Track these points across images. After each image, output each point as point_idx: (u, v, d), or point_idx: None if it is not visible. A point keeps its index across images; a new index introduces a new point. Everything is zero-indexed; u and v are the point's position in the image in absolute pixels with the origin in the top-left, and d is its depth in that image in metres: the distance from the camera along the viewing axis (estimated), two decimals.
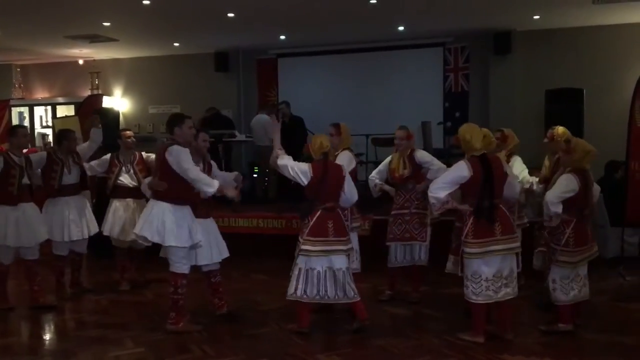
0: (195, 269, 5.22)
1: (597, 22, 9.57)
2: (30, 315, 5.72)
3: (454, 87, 10.70)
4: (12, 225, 5.55)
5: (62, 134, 6.20)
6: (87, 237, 6.24)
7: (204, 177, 4.84)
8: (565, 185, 4.66)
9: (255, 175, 10.95)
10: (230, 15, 8.54)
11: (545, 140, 5.44)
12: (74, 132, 6.41)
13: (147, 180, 5.22)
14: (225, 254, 5.40)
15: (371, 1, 7.89)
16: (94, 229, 6.28)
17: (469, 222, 4.53)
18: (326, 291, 4.79)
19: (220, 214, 8.24)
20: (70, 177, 6.05)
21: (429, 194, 4.58)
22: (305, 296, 4.78)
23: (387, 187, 5.91)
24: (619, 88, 9.28)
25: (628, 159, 7.01)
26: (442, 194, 4.50)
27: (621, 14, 8.98)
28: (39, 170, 5.95)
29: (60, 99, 12.53)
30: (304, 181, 4.83)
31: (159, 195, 4.90)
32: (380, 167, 6.01)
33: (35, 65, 12.70)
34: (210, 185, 4.77)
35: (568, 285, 4.72)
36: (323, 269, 4.78)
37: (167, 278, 5.19)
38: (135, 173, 6.34)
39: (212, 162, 5.41)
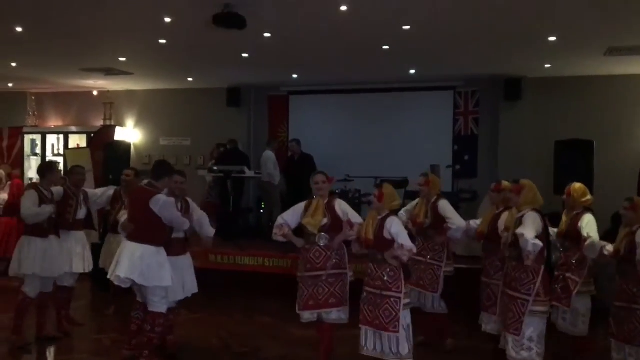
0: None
1: (608, 72, 9.60)
2: (33, 352, 5.71)
3: (464, 131, 10.72)
4: (41, 257, 5.74)
5: (71, 169, 6.47)
6: (87, 271, 6.38)
7: (181, 222, 5.21)
8: None
9: (262, 211, 10.98)
10: (245, 55, 8.66)
11: (563, 197, 5.43)
12: (83, 168, 6.59)
13: (123, 220, 5.36)
14: (195, 289, 5.55)
15: (384, 47, 7.98)
16: (91, 265, 6.42)
17: (539, 280, 4.37)
18: None
19: (226, 251, 8.30)
20: (80, 213, 6.23)
21: (531, 242, 4.24)
22: (409, 353, 4.60)
23: (411, 228, 5.80)
24: (630, 140, 9.27)
25: None
26: (539, 242, 4.30)
27: (633, 64, 9.01)
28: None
29: (73, 128, 12.60)
30: None
31: (137, 237, 5.04)
32: (409, 207, 6.10)
33: (50, 93, 12.86)
34: (183, 225, 5.24)
35: None
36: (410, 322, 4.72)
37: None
38: None
39: (189, 200, 5.63)
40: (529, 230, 4.31)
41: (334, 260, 5.08)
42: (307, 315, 5.09)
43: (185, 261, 5.49)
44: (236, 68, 9.81)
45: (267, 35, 7.38)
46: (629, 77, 9.71)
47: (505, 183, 5.41)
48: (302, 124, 11.50)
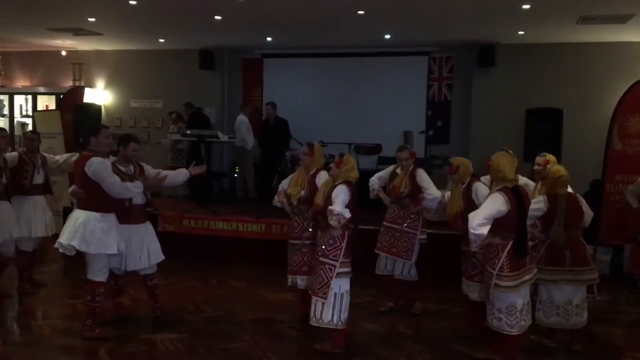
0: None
1: (580, 39, 9.69)
2: (4, 317, 5.73)
3: (437, 97, 10.75)
4: None
5: (24, 134, 6.54)
6: (49, 235, 6.38)
7: (121, 188, 4.94)
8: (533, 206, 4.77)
9: (235, 175, 10.98)
10: (218, 18, 8.51)
11: (537, 167, 5.50)
12: (36, 134, 6.60)
13: (72, 188, 5.32)
14: (159, 258, 5.48)
15: (359, 12, 7.91)
16: (53, 229, 6.40)
17: (503, 256, 4.32)
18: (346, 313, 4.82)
19: (200, 216, 8.31)
20: (38, 178, 6.26)
21: (472, 231, 4.25)
22: (339, 323, 4.75)
23: (382, 195, 5.98)
24: (598, 108, 9.39)
25: (604, 181, 7.19)
26: (485, 230, 4.24)
27: (603, 33, 9.10)
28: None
29: (42, 89, 12.33)
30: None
31: (84, 205, 5.01)
32: (382, 173, 6.08)
33: (17, 53, 12.48)
34: (129, 190, 4.98)
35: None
36: (348, 292, 4.82)
37: (138, 281, 5.65)
38: None
39: (144, 165, 5.47)
40: (478, 218, 4.27)
41: (310, 232, 5.20)
42: (290, 279, 5.38)
43: (145, 230, 5.39)
44: (209, 30, 9.64)
45: None
46: (599, 45, 9.81)
47: (457, 159, 5.40)
48: (276, 87, 11.38)
